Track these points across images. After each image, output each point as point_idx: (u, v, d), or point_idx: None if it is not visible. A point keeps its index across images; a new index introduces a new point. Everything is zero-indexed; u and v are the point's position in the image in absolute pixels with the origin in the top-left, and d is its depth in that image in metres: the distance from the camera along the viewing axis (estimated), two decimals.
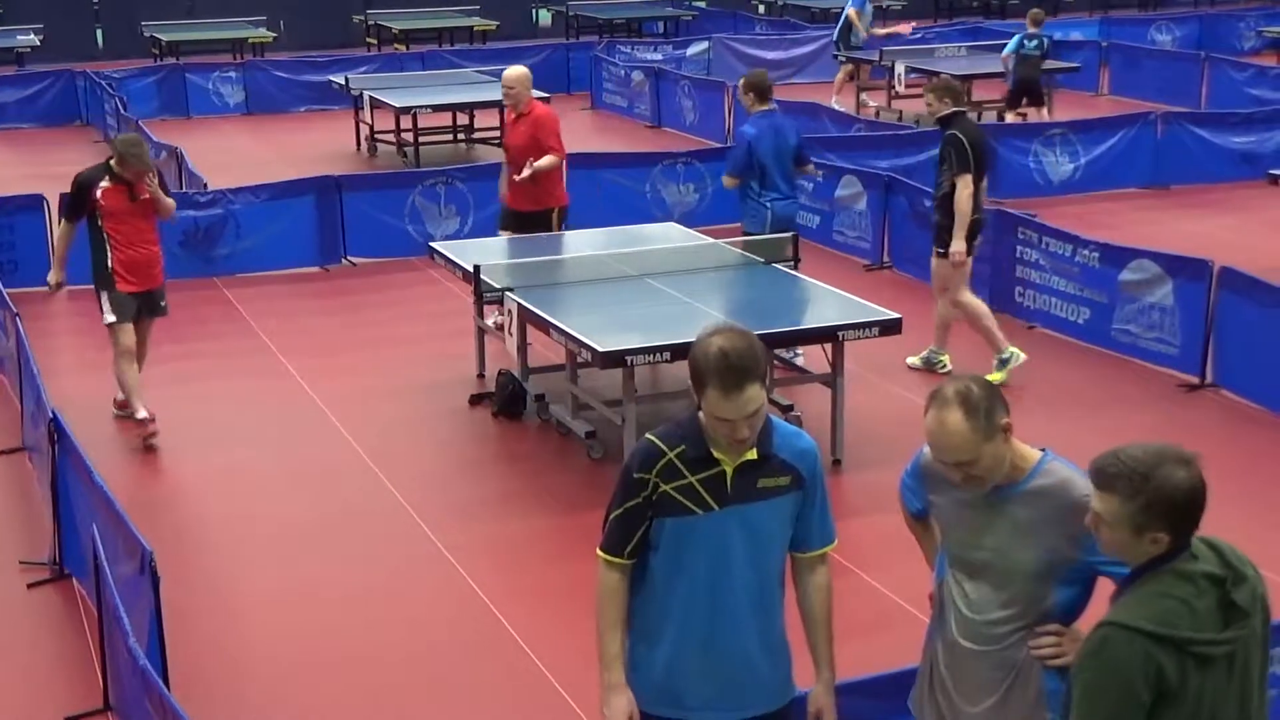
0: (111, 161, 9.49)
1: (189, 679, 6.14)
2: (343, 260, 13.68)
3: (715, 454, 4.16)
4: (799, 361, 9.85)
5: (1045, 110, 18.38)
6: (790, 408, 9.37)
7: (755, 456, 4.18)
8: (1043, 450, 4.21)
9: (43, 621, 7.23)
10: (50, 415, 7.33)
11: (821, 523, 4.40)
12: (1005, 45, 18.80)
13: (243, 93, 22.29)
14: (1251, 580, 3.67)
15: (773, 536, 4.30)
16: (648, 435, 4.28)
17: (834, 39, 21.84)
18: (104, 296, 9.59)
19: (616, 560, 4.25)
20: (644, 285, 9.76)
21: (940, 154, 10.03)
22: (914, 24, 23.73)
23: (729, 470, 4.17)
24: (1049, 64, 18.66)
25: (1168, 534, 3.61)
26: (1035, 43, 18.01)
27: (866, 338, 8.78)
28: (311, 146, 19.20)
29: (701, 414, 4.15)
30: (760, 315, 8.99)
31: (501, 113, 18.68)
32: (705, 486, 4.15)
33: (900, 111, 20.32)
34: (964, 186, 9.83)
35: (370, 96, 18.23)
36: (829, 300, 9.48)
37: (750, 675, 4.35)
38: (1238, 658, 3.64)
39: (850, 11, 21.24)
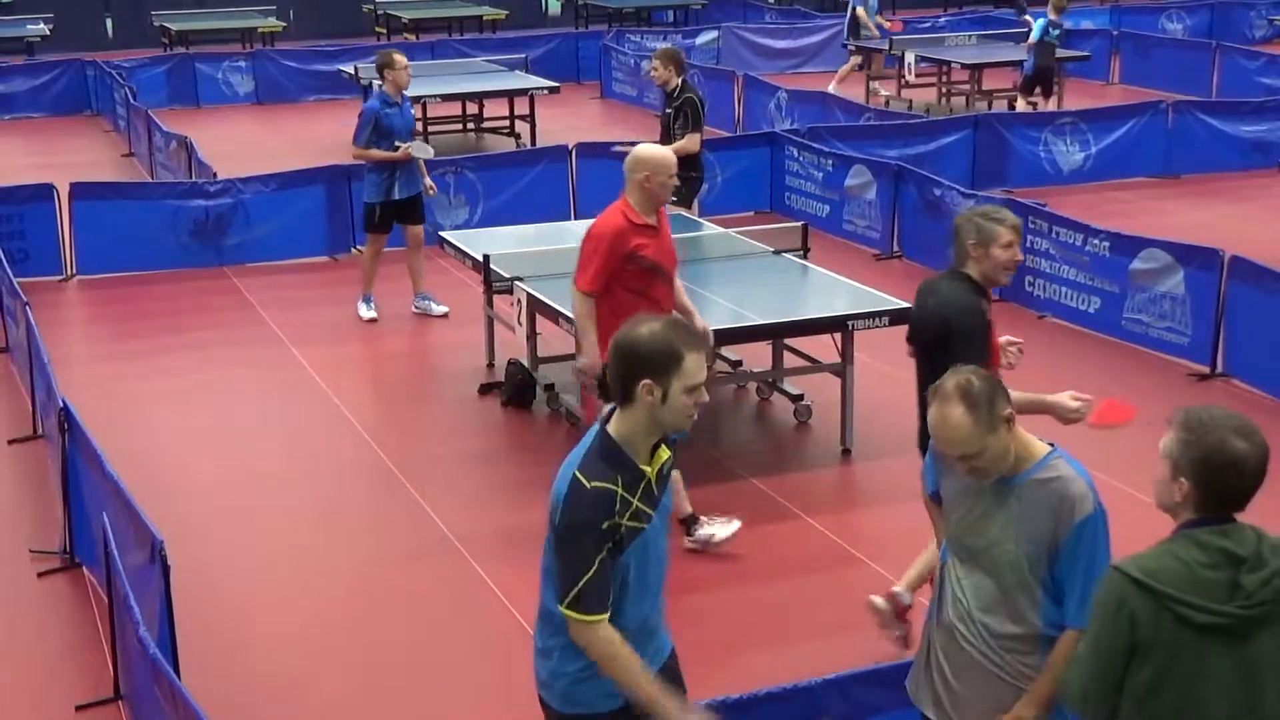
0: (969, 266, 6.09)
1: (199, 668, 6.14)
2: (352, 250, 13.68)
3: (641, 467, 4.14)
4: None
5: (1052, 101, 18.33)
6: (800, 397, 9.37)
7: (667, 455, 4.23)
8: (1051, 445, 4.22)
9: (53, 610, 7.24)
10: (60, 404, 7.34)
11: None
12: (1020, 33, 18.75)
13: (252, 82, 22.29)
14: (1275, 569, 3.65)
15: (671, 504, 4.37)
16: (587, 482, 4.07)
17: (844, 32, 21.82)
18: None
19: (602, 618, 4.08)
20: None
21: (676, 114, 11.27)
22: (900, 24, 23.52)
23: (652, 476, 4.17)
24: (1059, 52, 18.60)
25: (1193, 488, 3.67)
26: (1058, 31, 17.97)
27: (876, 327, 8.76)
28: (321, 136, 19.20)
29: (658, 411, 4.07)
30: (770, 305, 8.98)
31: (512, 103, 18.80)
32: (644, 501, 4.14)
33: (910, 100, 20.29)
34: (691, 143, 11.11)
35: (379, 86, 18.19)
36: (839, 290, 9.47)
37: (663, 622, 4.41)
38: (1247, 640, 3.64)
39: (859, 10, 21.14)
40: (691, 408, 4.10)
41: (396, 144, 11.25)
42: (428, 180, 11.84)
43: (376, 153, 11.30)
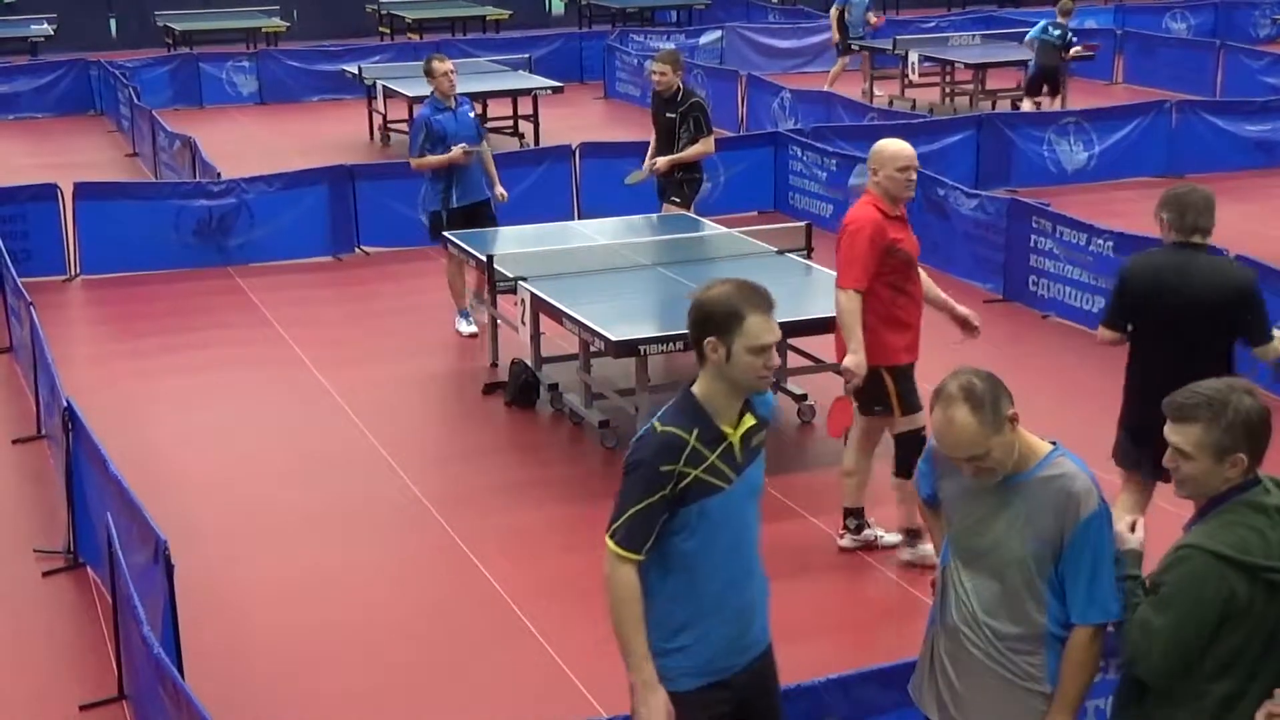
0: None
1: (203, 667, 6.14)
2: (356, 249, 13.69)
3: (723, 428, 4.24)
4: None
5: (1058, 100, 18.33)
6: (804, 396, 9.37)
7: (754, 421, 4.31)
8: (1053, 443, 4.22)
9: (57, 610, 7.25)
10: (64, 404, 7.35)
11: None
12: (1023, 33, 18.74)
13: (256, 82, 22.28)
14: None
15: (762, 485, 4.43)
16: (659, 426, 4.23)
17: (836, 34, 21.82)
18: None
19: (634, 557, 4.19)
20: (657, 274, 9.76)
21: (681, 119, 11.10)
22: (881, 19, 23.44)
23: (735, 440, 4.26)
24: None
25: (1247, 455, 3.88)
26: (1059, 31, 17.95)
27: None
28: (325, 136, 19.21)
29: (725, 369, 4.19)
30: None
31: (515, 103, 18.79)
32: (723, 461, 4.23)
33: (914, 100, 20.28)
34: (707, 146, 11.22)
35: (383, 86, 18.23)
36: None
37: (761, 614, 4.47)
38: None
39: (831, 11, 21.09)
40: (760, 368, 4.20)
41: (451, 148, 10.94)
42: (499, 188, 11.34)
43: (430, 159, 10.98)
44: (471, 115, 11.34)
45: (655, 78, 11.26)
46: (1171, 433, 3.95)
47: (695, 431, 4.19)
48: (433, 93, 11.26)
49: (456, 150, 10.93)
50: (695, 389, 4.28)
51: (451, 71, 11.22)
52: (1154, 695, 3.99)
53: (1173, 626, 3.87)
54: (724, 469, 4.22)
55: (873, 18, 21.49)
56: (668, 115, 11.22)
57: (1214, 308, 6.26)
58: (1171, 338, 6.29)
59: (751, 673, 4.41)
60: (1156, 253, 6.54)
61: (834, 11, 21.00)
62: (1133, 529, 4.18)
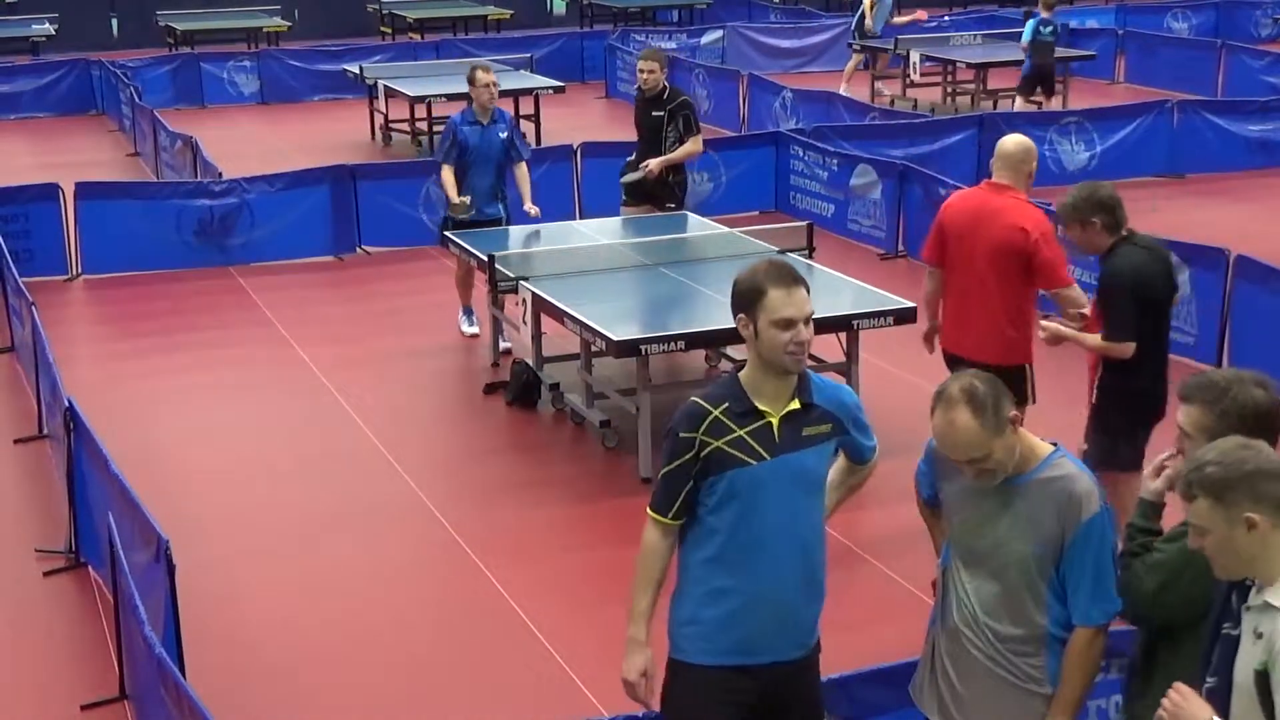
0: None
1: (204, 667, 6.14)
2: (357, 249, 13.69)
3: (760, 406, 4.29)
4: None
5: (1057, 99, 18.31)
6: None
7: (799, 405, 4.32)
8: (1054, 445, 4.23)
9: (59, 610, 7.26)
10: (66, 404, 7.35)
11: (865, 440, 4.63)
12: (1020, 32, 18.71)
13: (257, 82, 22.29)
14: None
15: (820, 481, 4.44)
16: (692, 398, 4.38)
17: (851, 29, 21.84)
18: None
19: (662, 520, 4.35)
20: (658, 274, 9.76)
21: (669, 117, 11.08)
22: (926, 13, 23.64)
23: (775, 421, 4.29)
24: (1064, 51, 18.57)
25: None
26: (1050, 28, 17.92)
27: (881, 327, 8.77)
28: (326, 135, 19.22)
29: (757, 346, 4.28)
30: None
31: (517, 103, 18.78)
32: (754, 438, 4.27)
33: (915, 100, 20.28)
34: (696, 146, 11.28)
35: (384, 85, 18.24)
36: (844, 289, 9.47)
37: (805, 615, 4.46)
38: None
39: (866, 3, 21.19)
40: (786, 343, 4.24)
41: (467, 165, 10.72)
42: (528, 203, 11.00)
43: (446, 181, 10.77)
44: (502, 135, 10.89)
45: (644, 75, 11.14)
46: (1179, 413, 4.01)
47: (724, 405, 4.29)
48: (470, 101, 10.98)
49: (456, 202, 10.69)
50: (741, 372, 4.40)
51: (492, 85, 10.81)
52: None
53: (1156, 591, 3.94)
54: (753, 445, 4.26)
55: (906, 18, 21.59)
56: (654, 114, 11.16)
57: (1173, 278, 6.97)
58: (1166, 320, 6.85)
59: (781, 673, 4.40)
60: (1125, 254, 6.79)
61: (866, 4, 21.08)
62: (1159, 473, 4.15)
